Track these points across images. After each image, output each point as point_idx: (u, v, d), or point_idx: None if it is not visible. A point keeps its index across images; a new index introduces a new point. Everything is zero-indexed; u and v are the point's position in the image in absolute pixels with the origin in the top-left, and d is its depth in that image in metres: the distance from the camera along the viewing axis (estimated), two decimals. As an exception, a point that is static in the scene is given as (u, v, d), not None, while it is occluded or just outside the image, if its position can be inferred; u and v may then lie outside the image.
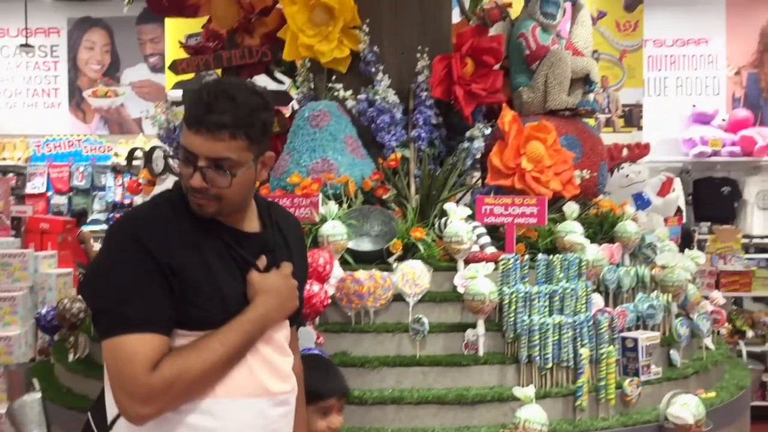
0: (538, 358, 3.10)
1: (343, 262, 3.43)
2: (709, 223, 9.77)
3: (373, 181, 3.93)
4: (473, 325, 3.19)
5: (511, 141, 3.96)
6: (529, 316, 3.17)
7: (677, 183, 9.29)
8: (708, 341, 3.81)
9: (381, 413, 2.96)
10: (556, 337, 3.12)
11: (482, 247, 3.65)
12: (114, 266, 1.65)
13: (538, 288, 3.26)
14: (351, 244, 3.55)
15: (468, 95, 4.30)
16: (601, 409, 3.12)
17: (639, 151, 8.45)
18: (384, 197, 3.92)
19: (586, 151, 4.46)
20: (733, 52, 10.69)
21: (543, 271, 3.40)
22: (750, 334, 6.24)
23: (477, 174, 4.60)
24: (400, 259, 3.45)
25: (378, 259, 3.50)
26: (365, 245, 3.63)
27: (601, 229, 4.03)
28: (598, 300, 3.47)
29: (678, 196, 9.47)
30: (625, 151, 8.01)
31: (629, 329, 3.44)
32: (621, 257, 3.89)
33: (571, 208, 3.72)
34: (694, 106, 10.35)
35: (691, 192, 9.95)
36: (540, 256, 3.44)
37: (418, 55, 4.31)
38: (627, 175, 7.53)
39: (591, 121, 6.40)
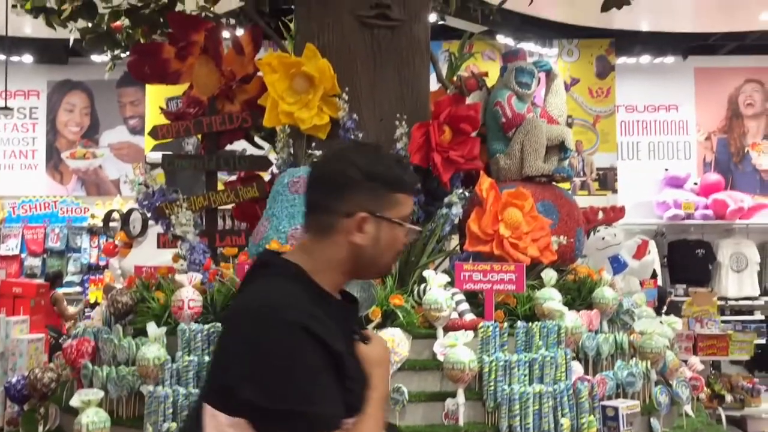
0: (519, 428, 3.07)
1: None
2: (684, 286, 9.90)
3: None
4: (453, 394, 3.16)
5: (489, 207, 4.00)
6: (509, 384, 3.15)
7: (652, 245, 9.42)
8: (688, 408, 3.81)
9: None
10: (537, 407, 3.10)
11: (461, 314, 3.64)
12: (292, 362, 1.43)
13: (518, 356, 3.26)
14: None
15: (446, 162, 4.36)
16: (583, 481, 3.09)
17: (614, 214, 8.55)
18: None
19: (562, 216, 4.51)
20: (703, 118, 11.00)
21: (522, 339, 3.40)
22: (729, 398, 6.23)
23: (455, 239, 4.63)
24: (379, 326, 3.43)
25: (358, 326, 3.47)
26: (344, 312, 3.60)
27: (579, 295, 4.05)
28: (577, 368, 3.47)
29: (653, 258, 9.58)
30: (600, 215, 8.11)
31: (609, 397, 3.42)
32: (599, 324, 3.90)
33: (549, 275, 3.75)
34: (666, 170, 10.61)
35: (666, 254, 10.11)
36: (519, 323, 3.45)
37: (397, 122, 4.39)
38: (603, 238, 7.62)
39: (566, 186, 6.49)
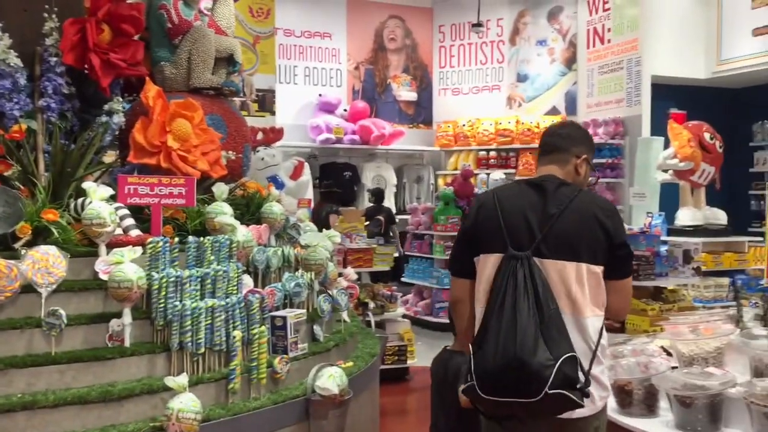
0: (190, 344, 2.98)
1: (-47, 251, 2.90)
2: (333, 205, 10.53)
3: (-9, 155, 3.39)
4: (118, 315, 2.94)
5: (156, 117, 3.74)
6: (181, 301, 3.03)
7: (306, 167, 9.83)
8: (345, 315, 4.08)
9: (9, 423, 2.56)
10: (209, 321, 3.03)
11: (126, 230, 3.39)
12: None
13: (190, 272, 3.14)
14: (-35, 229, 3.01)
15: (105, 65, 3.94)
16: (252, 390, 3.13)
17: (274, 135, 8.72)
18: (6, 174, 3.40)
19: (231, 131, 4.43)
20: (353, 48, 11.65)
21: (194, 254, 3.28)
22: (371, 305, 6.86)
23: (114, 152, 4.26)
24: (29, 244, 3.03)
25: (1, 245, 3.02)
26: (-17, 229, 3.10)
27: (248, 210, 4.04)
28: (248, 281, 3.47)
29: (308, 179, 10.05)
30: (260, 135, 8.20)
31: (277, 308, 3.50)
32: (268, 238, 3.95)
33: (221, 189, 3.66)
34: (320, 95, 11.08)
35: (318, 176, 10.58)
36: (190, 238, 3.31)
37: (46, 15, 3.82)
38: (263, 158, 7.73)
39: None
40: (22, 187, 3.40)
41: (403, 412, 6.11)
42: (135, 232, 3.38)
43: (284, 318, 3.35)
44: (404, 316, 7.54)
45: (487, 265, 2.41)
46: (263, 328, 3.18)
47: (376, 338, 4.46)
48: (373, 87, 11.85)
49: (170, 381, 2.71)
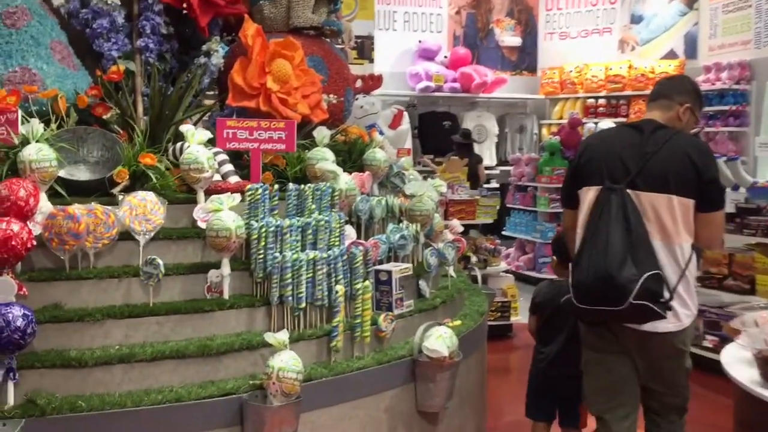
0: (291, 298, 2.79)
1: (54, 195, 2.80)
2: (432, 156, 10.24)
3: (89, 97, 3.27)
4: (217, 265, 2.78)
5: (255, 57, 3.53)
6: (281, 252, 2.84)
7: (405, 116, 9.56)
8: (451, 270, 3.82)
9: (106, 375, 2.46)
10: (310, 274, 2.84)
11: (225, 176, 3.23)
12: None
13: (290, 221, 2.94)
14: (63, 173, 2.92)
15: (204, 3, 3.76)
16: (356, 348, 2.93)
17: (373, 82, 8.43)
18: (104, 117, 3.29)
19: (332, 74, 4.19)
20: (455, -8, 11.18)
21: (294, 203, 3.08)
22: (474, 259, 6.59)
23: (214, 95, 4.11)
24: (127, 190, 2.90)
25: (99, 191, 2.91)
26: (82, 174, 3.01)
27: (350, 157, 3.81)
28: (350, 232, 3.25)
29: (408, 128, 9.78)
30: (359, 83, 7.96)
31: (381, 261, 3.28)
32: (371, 187, 3.71)
33: (322, 134, 3.43)
34: (420, 41, 10.66)
35: (416, 125, 10.27)
36: (290, 185, 3.11)
37: (142, -48, 3.65)
38: (361, 107, 7.49)
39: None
40: (120, 131, 3.29)
41: (506, 370, 5.85)
42: (234, 179, 3.21)
43: (389, 272, 3.12)
44: (506, 271, 7.23)
45: (588, 196, 2.75)
46: (367, 283, 2.96)
47: (483, 295, 4.19)
48: (474, 32, 11.35)
49: (270, 337, 2.53)
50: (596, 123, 10.10)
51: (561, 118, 10.53)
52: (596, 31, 11.08)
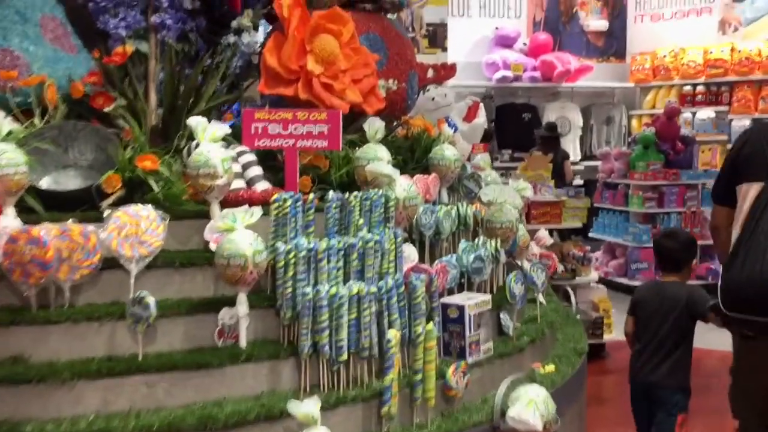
0: (327, 347, 2.08)
1: (25, 210, 2.17)
2: (510, 151, 9.53)
3: (87, 86, 2.65)
4: (231, 302, 2.10)
5: (293, 33, 2.83)
6: (315, 284, 2.14)
7: (482, 108, 8.85)
8: (541, 296, 3.04)
9: (75, 457, 1.81)
10: (355, 315, 2.11)
11: (251, 183, 2.55)
12: None
13: (328, 242, 2.22)
14: (47, 181, 2.30)
15: (236, -30, 3.10)
16: (417, 413, 2.19)
17: (445, 72, 7.69)
18: (106, 110, 2.65)
19: (392, 55, 3.46)
20: (535, -27, 10.41)
21: (335, 217, 2.36)
22: (560, 269, 5.77)
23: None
24: (124, 202, 2.25)
25: (86, 204, 2.28)
26: (71, 181, 2.39)
27: (413, 156, 3.08)
28: (410, 254, 2.51)
29: (484, 121, 9.03)
30: (431, 72, 7.26)
31: (450, 292, 2.53)
32: (438, 192, 2.97)
33: (376, 126, 2.70)
34: (497, 28, 9.96)
35: (493, 118, 9.61)
36: (331, 194, 2.39)
37: None
38: (433, 98, 6.76)
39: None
40: (127, 126, 2.65)
41: (599, 398, 5.00)
42: (262, 185, 2.53)
43: (461, 308, 2.38)
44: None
45: (748, 193, 2.57)
46: (431, 325, 2.21)
47: (578, 324, 3.38)
48: (557, 16, 10.60)
49: (295, 408, 1.83)
50: (693, 113, 9.27)
51: (653, 107, 9.85)
52: (693, 11, 10.15)
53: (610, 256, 8.20)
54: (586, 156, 10.11)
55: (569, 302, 5.00)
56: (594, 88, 10.31)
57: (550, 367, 2.65)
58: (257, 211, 2.11)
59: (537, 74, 9.76)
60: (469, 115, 8.46)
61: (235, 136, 2.60)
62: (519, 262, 3.06)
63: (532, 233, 3.79)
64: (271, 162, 2.68)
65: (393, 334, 2.11)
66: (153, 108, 2.78)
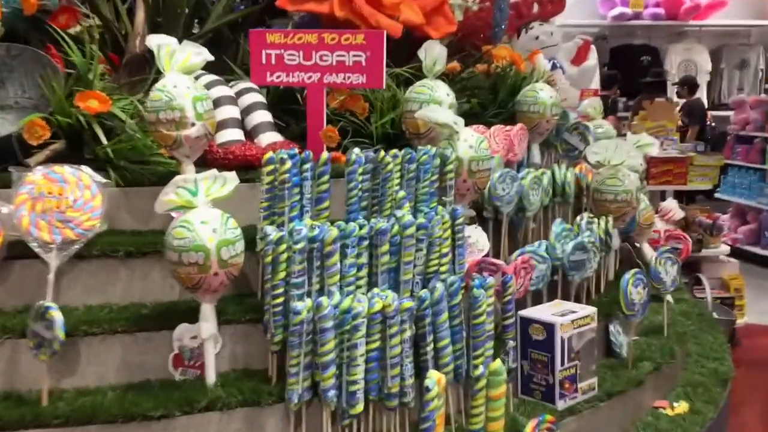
0: (332, 392, 1.33)
1: None
2: (624, 99, 8.81)
3: (44, -1, 1.97)
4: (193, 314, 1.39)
5: (326, -76, 2.05)
6: (319, 293, 1.39)
7: (593, 49, 8.07)
8: (669, 296, 2.18)
9: None
10: (378, 343, 1.35)
11: (253, 133, 1.84)
12: None
13: (347, 226, 1.46)
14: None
15: None
16: (473, 494, 1.44)
17: (552, 7, 6.95)
18: (71, 31, 1.96)
19: (474, -36, 2.63)
20: None
21: (360, 187, 1.58)
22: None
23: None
24: (61, 160, 1.57)
25: (8, 161, 1.61)
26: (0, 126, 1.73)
27: (494, 98, 2.25)
28: (478, 240, 1.71)
29: (595, 64, 8.21)
30: (535, 7, 6.59)
31: (536, 296, 1.73)
32: (525, 150, 2.13)
33: (434, 54, 1.88)
34: (613, -44, 9.02)
35: (606, 62, 8.99)
36: (356, 152, 1.60)
37: None
38: (537, 37, 6.06)
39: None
40: (100, 55, 1.96)
41: (736, 401, 4.10)
42: (269, 137, 1.79)
43: (551, 327, 1.58)
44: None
45: None
46: (498, 363, 1.41)
47: (719, 330, 2.49)
48: (685, -58, 9.45)
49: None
50: None
51: (797, 47, 8.83)
52: None
53: (740, 220, 7.42)
54: (714, 105, 9.14)
55: (696, 286, 4.08)
56: (726, 26, 9.26)
57: (683, 407, 1.82)
58: (231, 177, 1.37)
59: (660, 11, 8.88)
60: (579, 57, 7.50)
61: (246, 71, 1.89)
62: (639, 247, 2.21)
63: (652, 200, 2.93)
64: (287, 105, 1.93)
65: (435, 377, 1.33)
66: (139, 30, 2.07)
